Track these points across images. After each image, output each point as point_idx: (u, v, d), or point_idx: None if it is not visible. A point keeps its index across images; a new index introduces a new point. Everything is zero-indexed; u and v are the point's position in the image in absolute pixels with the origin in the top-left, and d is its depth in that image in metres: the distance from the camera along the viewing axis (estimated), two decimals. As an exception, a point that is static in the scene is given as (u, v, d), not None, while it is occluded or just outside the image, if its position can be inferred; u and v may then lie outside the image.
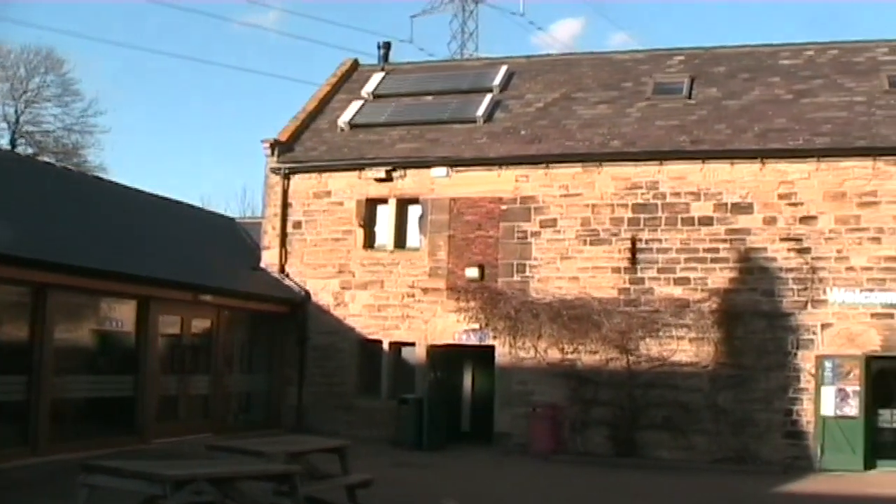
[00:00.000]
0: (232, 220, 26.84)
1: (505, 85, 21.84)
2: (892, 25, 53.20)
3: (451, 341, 19.33)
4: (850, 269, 17.40)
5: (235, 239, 23.80)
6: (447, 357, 19.69)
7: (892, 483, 15.52)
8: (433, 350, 19.48)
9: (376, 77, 23.26)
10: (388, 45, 24.66)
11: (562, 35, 69.42)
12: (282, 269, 20.48)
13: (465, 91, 21.78)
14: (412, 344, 19.66)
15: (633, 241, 18.33)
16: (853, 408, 16.96)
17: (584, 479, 15.89)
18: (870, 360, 17.31)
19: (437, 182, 19.66)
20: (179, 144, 68.89)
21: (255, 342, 20.24)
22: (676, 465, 17.24)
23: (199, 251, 20.68)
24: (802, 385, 17.33)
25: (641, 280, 18.29)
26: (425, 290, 19.49)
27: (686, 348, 17.91)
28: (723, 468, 16.95)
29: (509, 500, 13.85)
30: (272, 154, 20.78)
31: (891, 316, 17.16)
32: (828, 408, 17.08)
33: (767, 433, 17.45)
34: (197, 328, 18.17)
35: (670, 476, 16.26)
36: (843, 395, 17.06)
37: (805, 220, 17.67)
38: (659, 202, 18.33)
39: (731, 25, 59.25)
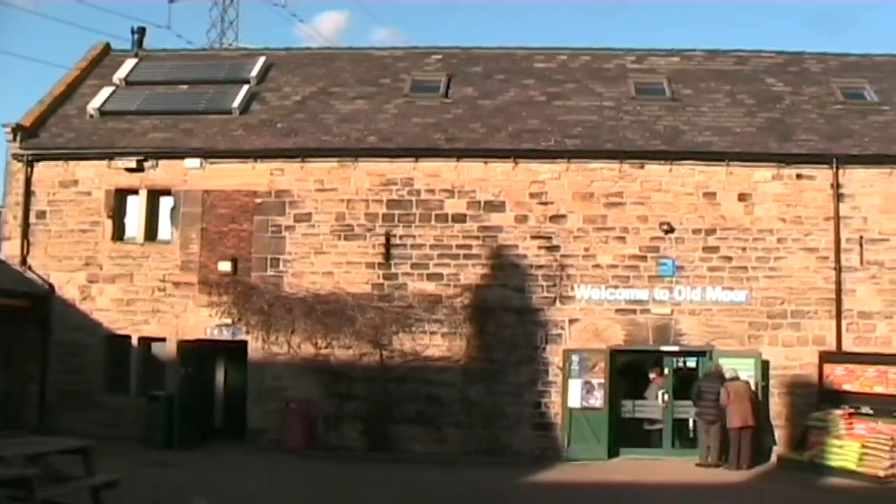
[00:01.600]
0: (-33, 207, 27.22)
1: (262, 77, 23.39)
2: (640, 34, 60.55)
3: (203, 336, 20.38)
4: (597, 266, 20.06)
5: (-30, 228, 23.61)
6: (199, 353, 20.70)
7: (633, 470, 18.15)
8: (184, 345, 20.45)
9: (129, 63, 24.12)
10: (142, 31, 25.91)
11: (325, 28, 73.11)
12: (23, 262, 20.94)
13: (221, 81, 23.11)
14: (163, 339, 20.58)
15: (388, 236, 20.20)
16: (598, 399, 19.47)
17: (337, 475, 17.17)
18: (614, 354, 19.91)
19: (191, 174, 20.79)
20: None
21: (-6, 338, 20.48)
22: (430, 458, 19.02)
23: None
24: (551, 378, 19.81)
25: (395, 276, 20.15)
26: (177, 284, 20.53)
27: (439, 343, 19.91)
28: (475, 460, 18.94)
29: (261, 498, 14.75)
30: (14, 139, 21.22)
31: (634, 312, 19.95)
32: (574, 400, 19.51)
33: (518, 425, 19.69)
34: (-71, 323, 18.18)
35: (424, 469, 17.93)
36: (588, 388, 19.51)
37: (555, 218, 20.16)
38: (413, 199, 20.28)
39: (490, 26, 65.10)
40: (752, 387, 19.07)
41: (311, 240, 20.61)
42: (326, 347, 20.22)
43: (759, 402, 19.15)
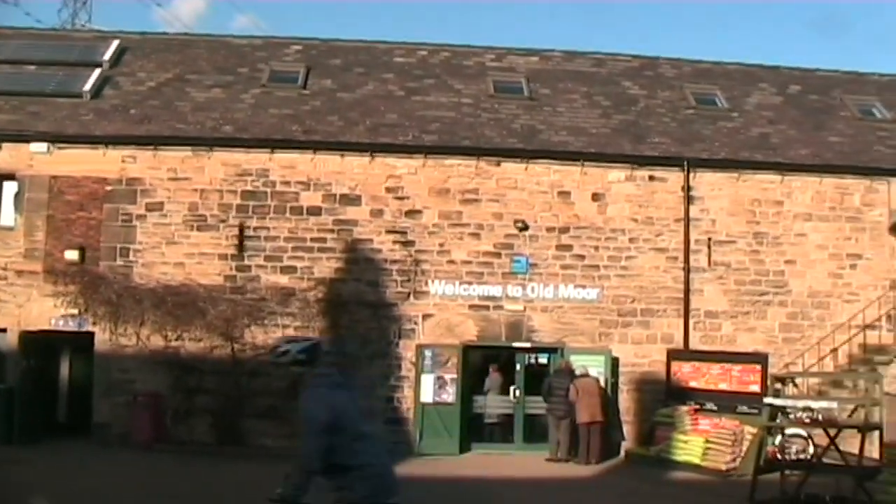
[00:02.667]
0: None
1: (116, 60, 23.92)
2: (499, 32, 63.94)
3: (47, 327, 20.71)
4: (452, 262, 21.39)
5: None
6: (43, 344, 21.00)
7: (484, 465, 19.38)
8: (27, 336, 20.72)
9: (-30, 40, 23.84)
10: (-12, 7, 26.65)
11: (184, 13, 73.78)
12: None
13: (72, 63, 23.46)
14: (3, 330, 20.79)
15: (241, 228, 21.11)
16: (450, 395, 20.85)
17: (184, 469, 17.57)
18: (467, 350, 21.26)
19: (37, 158, 21.13)
20: None
21: None
22: (281, 453, 19.28)
23: None
24: (404, 373, 21.06)
25: (248, 268, 21.08)
26: (20, 273, 20.85)
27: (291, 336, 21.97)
28: None
29: (104, 495, 14.92)
30: None
31: (487, 308, 21.37)
32: (427, 395, 20.83)
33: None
34: None
35: (273, 464, 18.93)
36: (441, 383, 20.84)
37: (411, 213, 21.42)
38: (269, 190, 21.22)
39: (350, 19, 67.23)
40: (602, 383, 20.66)
41: (162, 230, 21.29)
42: (177, 340, 20.96)
43: (608, 398, 20.75)
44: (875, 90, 26.97)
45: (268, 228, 21.51)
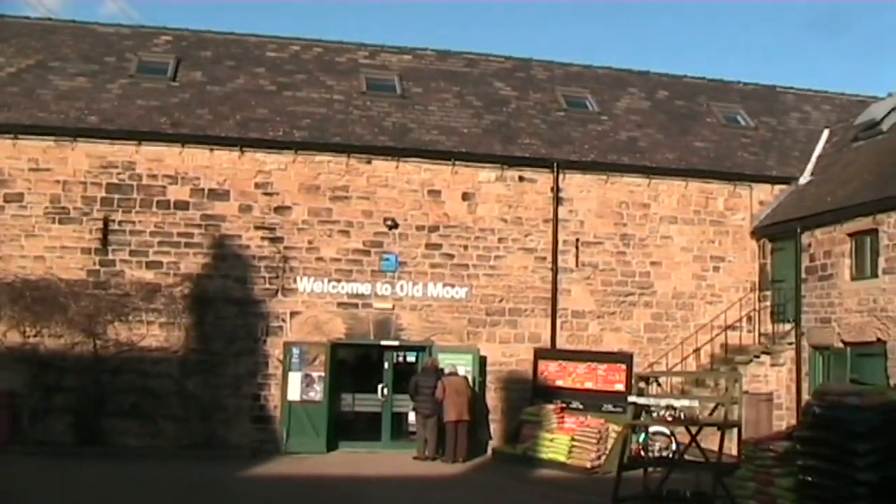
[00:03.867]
0: None
1: None
2: (369, 30, 66.05)
3: None
4: (320, 259, 22.54)
5: None
6: None
7: (351, 463, 20.41)
8: None
9: None
10: None
11: None
12: None
13: None
14: None
15: (106, 221, 21.81)
16: (318, 392, 21.98)
17: (40, 471, 18.05)
18: (335, 347, 22.38)
19: None
20: None
21: None
22: (144, 452, 20.63)
23: None
24: (271, 371, 22.16)
25: (112, 262, 21.79)
26: None
27: (156, 333, 21.70)
28: (191, 454, 20.60)
29: None
30: None
31: (356, 305, 22.58)
32: (294, 393, 21.93)
33: (236, 418, 21.74)
34: None
35: (136, 463, 19.35)
36: (308, 381, 21.99)
37: (280, 210, 22.49)
38: (135, 183, 21.99)
39: (221, 11, 68.07)
40: (470, 382, 22.06)
41: (21, 222, 21.80)
42: (35, 336, 21.51)
43: (475, 397, 22.15)
44: (739, 98, 29.34)
45: (133, 222, 22.25)
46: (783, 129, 28.27)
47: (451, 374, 21.78)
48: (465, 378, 21.93)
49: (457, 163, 23.73)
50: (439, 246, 23.56)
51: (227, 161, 22.77)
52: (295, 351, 22.30)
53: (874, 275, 21.61)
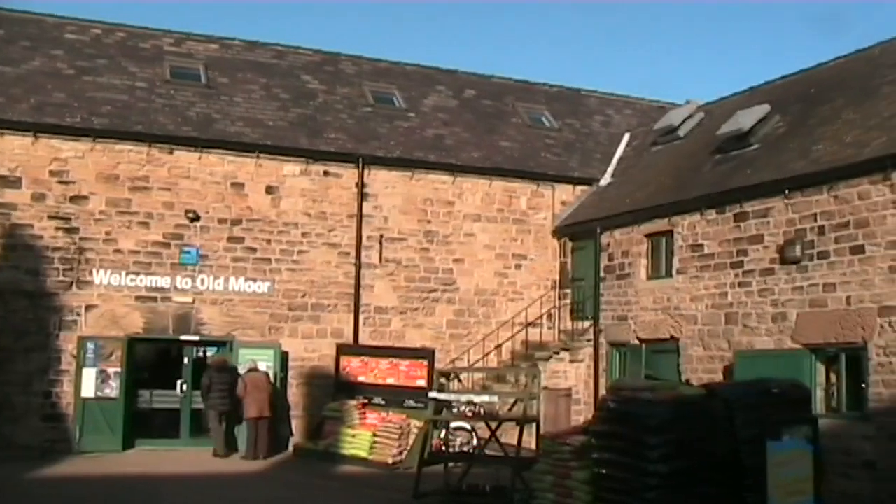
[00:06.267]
0: None
1: None
2: (176, 18, 65.09)
3: None
4: (118, 251, 21.95)
5: None
6: None
7: (148, 461, 20.00)
8: None
9: None
10: None
11: None
12: None
13: None
14: None
15: None
16: (114, 389, 21.38)
17: None
18: (133, 342, 21.87)
19: None
20: None
21: None
22: None
23: None
24: (64, 367, 21.42)
25: None
26: None
27: None
28: None
29: None
30: None
31: (155, 299, 22.07)
32: (88, 389, 21.28)
33: (25, 416, 20.94)
34: None
35: None
36: (104, 377, 21.38)
37: (76, 199, 21.75)
38: None
39: None
40: (271, 377, 21.92)
41: None
42: None
43: (276, 393, 22.04)
44: (545, 99, 29.99)
45: (-87, 209, 20.51)
46: (586, 131, 28.94)
47: (251, 370, 21.53)
48: (266, 374, 21.74)
49: (261, 155, 23.46)
50: (242, 239, 23.23)
51: (20, 147, 21.82)
52: (90, 346, 21.63)
53: (669, 274, 22.36)
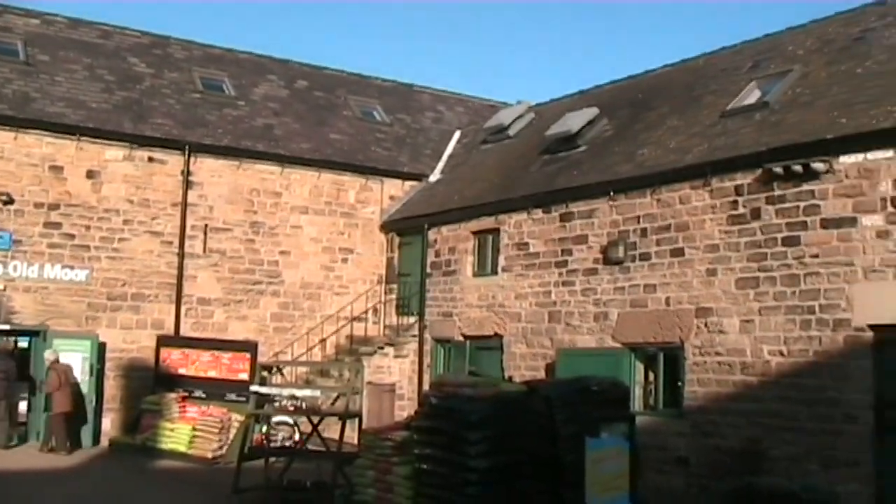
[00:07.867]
0: None
1: None
2: None
3: None
4: None
5: None
6: None
7: None
8: None
9: None
10: None
11: None
12: None
13: None
14: None
15: None
16: None
17: None
18: None
19: None
20: None
21: None
22: None
23: None
24: None
25: None
26: None
27: None
28: None
29: None
30: None
31: None
32: None
33: None
34: None
35: None
36: None
37: None
38: None
39: None
40: (85, 369, 21.23)
41: None
42: None
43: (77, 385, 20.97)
44: (377, 94, 29.90)
45: None
46: (417, 126, 28.92)
47: (57, 361, 20.51)
48: (69, 366, 20.76)
49: (83, 138, 22.65)
50: (59, 225, 22.36)
51: None
52: None
53: (494, 272, 22.54)
